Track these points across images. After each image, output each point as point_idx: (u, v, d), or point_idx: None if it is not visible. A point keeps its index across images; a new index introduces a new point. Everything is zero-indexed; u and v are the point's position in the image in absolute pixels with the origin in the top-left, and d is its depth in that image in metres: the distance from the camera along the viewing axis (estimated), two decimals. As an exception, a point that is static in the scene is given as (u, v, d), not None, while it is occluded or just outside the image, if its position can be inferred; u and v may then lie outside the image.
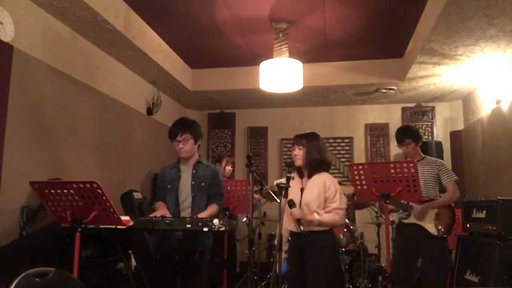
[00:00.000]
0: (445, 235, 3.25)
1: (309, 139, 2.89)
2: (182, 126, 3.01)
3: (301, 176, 2.94)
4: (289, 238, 2.96)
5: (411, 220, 3.33)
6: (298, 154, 2.86)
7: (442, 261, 3.28)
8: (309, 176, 2.88)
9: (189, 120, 3.10)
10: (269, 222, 4.83)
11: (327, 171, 2.92)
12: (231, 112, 6.78)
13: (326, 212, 2.76)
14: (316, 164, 2.86)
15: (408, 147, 3.46)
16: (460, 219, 4.23)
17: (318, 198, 2.77)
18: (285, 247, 2.88)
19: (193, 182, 2.97)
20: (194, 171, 3.01)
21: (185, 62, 5.53)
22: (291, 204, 2.68)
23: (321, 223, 2.72)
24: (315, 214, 2.73)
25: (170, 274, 2.83)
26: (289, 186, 2.68)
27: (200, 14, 4.13)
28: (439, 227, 3.23)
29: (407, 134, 3.49)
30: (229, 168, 4.73)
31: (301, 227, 2.67)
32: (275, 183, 2.88)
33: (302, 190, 2.84)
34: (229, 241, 4.01)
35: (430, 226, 3.25)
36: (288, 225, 2.87)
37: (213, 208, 2.94)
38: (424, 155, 3.50)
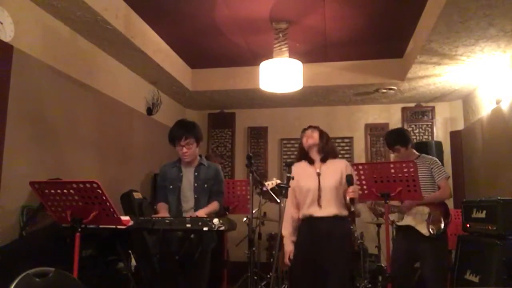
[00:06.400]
0: (439, 235, 3.13)
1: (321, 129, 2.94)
2: (185, 129, 2.93)
3: (310, 162, 2.90)
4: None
5: (405, 222, 3.24)
6: (314, 133, 2.87)
7: (438, 261, 3.16)
8: (323, 161, 2.87)
9: (191, 123, 3.03)
10: (269, 222, 4.83)
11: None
12: (231, 112, 6.77)
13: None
14: (331, 149, 2.90)
15: (399, 152, 3.37)
16: (455, 217, 4.21)
17: (340, 182, 2.77)
18: (293, 237, 2.83)
19: (195, 184, 2.96)
20: (196, 173, 2.99)
21: (185, 62, 5.52)
22: (349, 179, 2.67)
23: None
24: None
25: (170, 274, 2.84)
26: (289, 186, 2.67)
27: (200, 14, 4.13)
28: (431, 227, 3.13)
29: (394, 140, 3.38)
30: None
31: (352, 207, 2.72)
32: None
33: (318, 174, 2.81)
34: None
35: (421, 227, 3.15)
36: (306, 210, 2.80)
37: (214, 205, 2.94)
38: (418, 154, 3.39)
